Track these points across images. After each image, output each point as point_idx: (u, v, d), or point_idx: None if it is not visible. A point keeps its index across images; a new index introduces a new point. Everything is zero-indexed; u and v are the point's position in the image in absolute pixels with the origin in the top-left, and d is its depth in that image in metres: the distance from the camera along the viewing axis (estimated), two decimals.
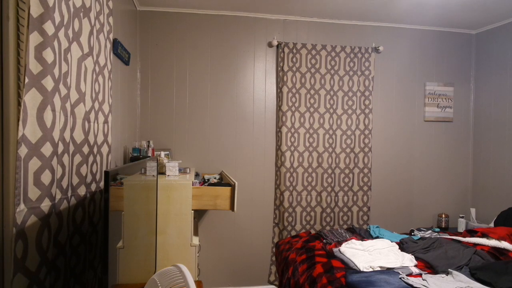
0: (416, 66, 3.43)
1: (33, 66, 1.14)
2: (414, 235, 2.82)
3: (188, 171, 2.57)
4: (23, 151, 1.11)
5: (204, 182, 2.51)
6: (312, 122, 3.17)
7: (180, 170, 2.45)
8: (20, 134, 1.09)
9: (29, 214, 1.15)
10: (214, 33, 3.10)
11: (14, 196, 1.10)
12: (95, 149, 1.76)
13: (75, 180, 1.55)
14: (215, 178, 2.71)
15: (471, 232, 2.68)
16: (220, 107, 3.13)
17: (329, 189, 3.20)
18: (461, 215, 3.28)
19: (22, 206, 1.11)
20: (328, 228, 3.20)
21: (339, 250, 2.29)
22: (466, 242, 2.50)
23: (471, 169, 3.54)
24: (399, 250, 2.33)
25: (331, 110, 3.20)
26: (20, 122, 1.09)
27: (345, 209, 3.24)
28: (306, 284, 2.06)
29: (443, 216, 3.35)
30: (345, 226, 3.24)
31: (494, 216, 3.04)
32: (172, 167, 2.27)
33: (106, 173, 1.21)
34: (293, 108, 3.13)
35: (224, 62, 3.13)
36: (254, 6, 2.97)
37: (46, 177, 1.22)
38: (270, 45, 3.17)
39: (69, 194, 1.48)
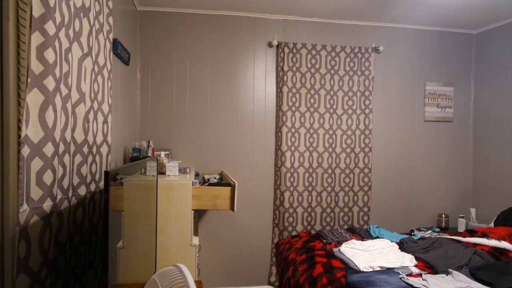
0: (416, 66, 3.43)
1: (35, 66, 1.14)
2: (414, 235, 2.82)
3: (188, 171, 2.57)
4: (25, 151, 1.11)
5: (204, 182, 2.51)
6: (312, 122, 3.17)
7: (180, 170, 2.45)
8: (23, 134, 1.09)
9: (31, 214, 1.15)
10: (214, 33, 3.10)
11: (15, 196, 1.10)
12: (94, 149, 1.76)
13: (76, 180, 1.55)
14: (215, 178, 2.71)
15: (471, 232, 2.68)
16: (220, 107, 3.13)
17: (329, 189, 3.20)
18: (461, 215, 3.28)
19: (25, 206, 1.12)
20: (328, 228, 3.20)
21: (339, 250, 2.29)
22: (466, 242, 2.50)
23: (471, 169, 3.55)
24: (399, 250, 2.33)
25: (331, 110, 3.20)
26: (23, 122, 1.09)
27: (346, 209, 3.24)
28: (306, 284, 2.06)
29: (443, 216, 3.35)
30: (345, 226, 3.24)
31: (494, 216, 3.04)
32: (172, 167, 2.27)
33: (106, 173, 1.21)
34: (293, 108, 3.13)
35: (224, 62, 3.13)
36: (254, 6, 2.97)
37: (48, 177, 1.22)
38: (270, 45, 3.17)
39: (70, 194, 1.48)
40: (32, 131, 1.13)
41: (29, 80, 1.11)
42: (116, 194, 1.47)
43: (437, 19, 3.19)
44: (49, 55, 1.19)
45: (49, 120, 1.21)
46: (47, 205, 1.22)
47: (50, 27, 1.19)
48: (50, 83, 1.20)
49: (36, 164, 1.16)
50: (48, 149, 1.21)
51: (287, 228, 3.12)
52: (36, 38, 1.14)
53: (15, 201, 1.12)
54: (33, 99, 1.13)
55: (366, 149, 3.25)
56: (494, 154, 3.29)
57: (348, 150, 3.23)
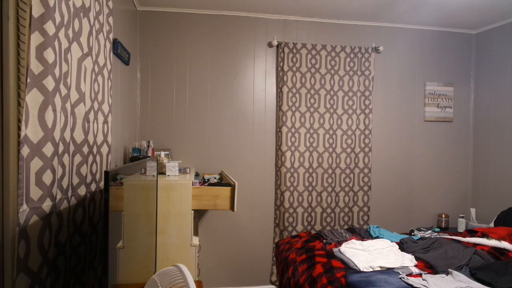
0: (416, 66, 3.43)
1: (34, 66, 1.14)
2: (414, 235, 2.82)
3: (188, 171, 2.57)
4: (25, 151, 1.11)
5: (204, 182, 2.51)
6: (312, 122, 3.17)
7: (180, 170, 2.45)
8: (22, 134, 1.09)
9: (31, 214, 1.15)
10: (214, 33, 3.10)
11: (15, 196, 1.10)
12: (94, 149, 1.76)
13: (75, 180, 1.55)
14: (215, 178, 2.71)
15: (471, 232, 2.68)
16: (220, 107, 3.13)
17: (329, 189, 3.20)
18: (461, 215, 3.28)
19: (24, 206, 1.12)
20: (328, 228, 3.20)
21: (339, 250, 2.29)
22: (466, 242, 2.50)
23: (471, 169, 3.55)
24: (399, 250, 2.33)
25: (331, 110, 3.20)
26: (23, 122, 1.09)
27: (346, 210, 3.24)
28: (306, 284, 2.06)
29: (443, 216, 3.35)
30: (345, 227, 3.24)
31: (494, 216, 3.04)
32: (172, 167, 2.27)
33: (106, 173, 1.21)
34: (293, 108, 3.13)
35: (224, 62, 3.13)
36: (254, 6, 2.97)
37: (47, 177, 1.22)
38: (270, 45, 3.17)
39: (69, 194, 1.48)
40: (31, 131, 1.13)
41: (28, 80, 1.11)
42: (116, 194, 1.47)
43: (437, 19, 3.19)
44: (49, 55, 1.19)
45: (48, 120, 1.21)
46: (47, 205, 1.22)
47: (49, 27, 1.19)
48: (49, 83, 1.20)
49: (36, 164, 1.16)
50: (48, 149, 1.21)
51: (287, 228, 3.12)
52: (35, 38, 1.14)
53: (15, 201, 1.11)
54: (32, 99, 1.13)
55: (366, 149, 3.25)
56: (494, 154, 3.29)
57: (348, 150, 3.23)
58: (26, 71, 1.11)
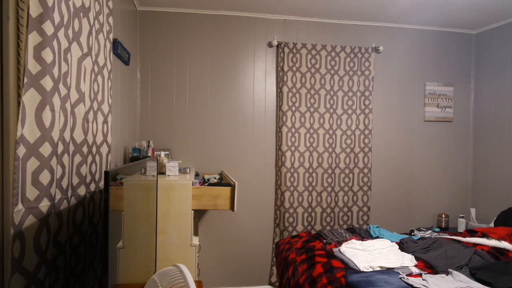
0: (416, 66, 3.43)
1: (32, 66, 1.14)
2: (414, 235, 2.82)
3: (188, 171, 2.57)
4: (21, 151, 1.10)
5: (204, 182, 2.51)
6: (312, 122, 3.17)
7: (180, 170, 2.45)
8: (18, 134, 1.08)
9: (27, 214, 1.14)
10: (214, 33, 3.10)
11: (12, 196, 1.09)
12: (94, 149, 1.76)
13: (75, 180, 1.55)
14: (215, 178, 2.71)
15: (471, 232, 2.68)
16: (220, 107, 3.13)
17: (329, 189, 3.20)
18: (461, 215, 3.28)
19: (20, 206, 1.11)
20: (328, 228, 3.20)
21: (339, 250, 2.29)
22: (466, 242, 2.50)
23: (471, 169, 3.54)
24: (399, 250, 2.33)
25: (331, 110, 3.19)
26: (19, 122, 1.09)
27: (345, 209, 3.24)
28: (306, 284, 2.06)
29: (443, 216, 3.35)
30: (345, 226, 3.24)
31: (494, 216, 3.03)
32: (172, 167, 2.27)
33: (106, 173, 1.21)
34: (293, 108, 3.13)
35: (224, 62, 3.13)
36: (254, 6, 2.97)
37: (44, 177, 1.21)
38: (270, 45, 3.17)
39: (69, 194, 1.48)
40: (28, 130, 1.13)
41: (25, 80, 1.10)
42: (116, 194, 1.47)
43: (437, 19, 3.19)
44: (47, 55, 1.18)
45: (46, 120, 1.20)
46: (44, 205, 1.22)
47: (48, 27, 1.18)
48: (47, 83, 1.19)
49: (32, 164, 1.15)
50: (45, 149, 1.21)
51: (288, 228, 3.12)
52: (33, 38, 1.13)
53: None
54: (29, 99, 1.13)
55: (366, 149, 3.24)
56: (494, 154, 3.29)
57: (348, 150, 3.23)
58: (23, 71, 1.11)
